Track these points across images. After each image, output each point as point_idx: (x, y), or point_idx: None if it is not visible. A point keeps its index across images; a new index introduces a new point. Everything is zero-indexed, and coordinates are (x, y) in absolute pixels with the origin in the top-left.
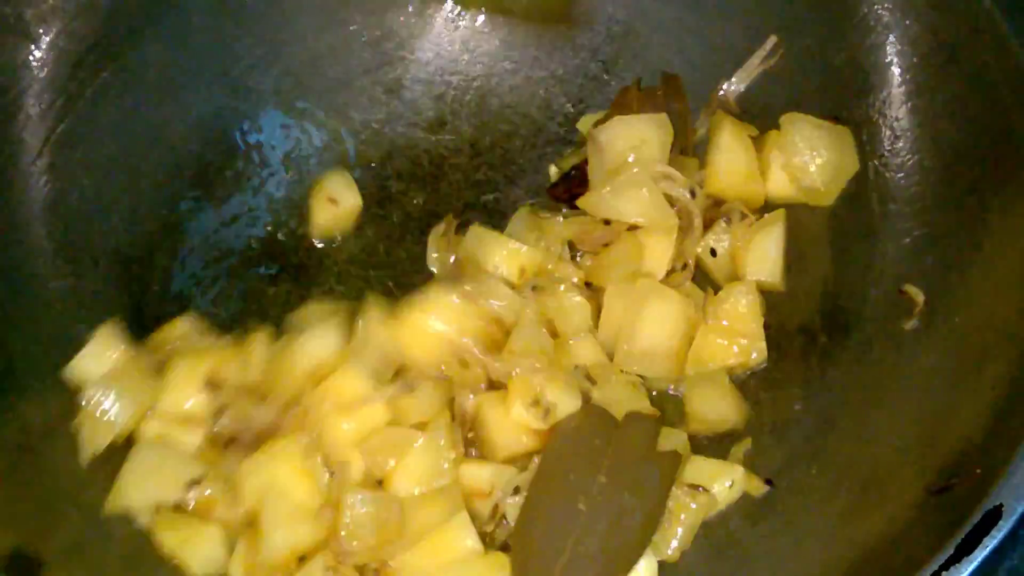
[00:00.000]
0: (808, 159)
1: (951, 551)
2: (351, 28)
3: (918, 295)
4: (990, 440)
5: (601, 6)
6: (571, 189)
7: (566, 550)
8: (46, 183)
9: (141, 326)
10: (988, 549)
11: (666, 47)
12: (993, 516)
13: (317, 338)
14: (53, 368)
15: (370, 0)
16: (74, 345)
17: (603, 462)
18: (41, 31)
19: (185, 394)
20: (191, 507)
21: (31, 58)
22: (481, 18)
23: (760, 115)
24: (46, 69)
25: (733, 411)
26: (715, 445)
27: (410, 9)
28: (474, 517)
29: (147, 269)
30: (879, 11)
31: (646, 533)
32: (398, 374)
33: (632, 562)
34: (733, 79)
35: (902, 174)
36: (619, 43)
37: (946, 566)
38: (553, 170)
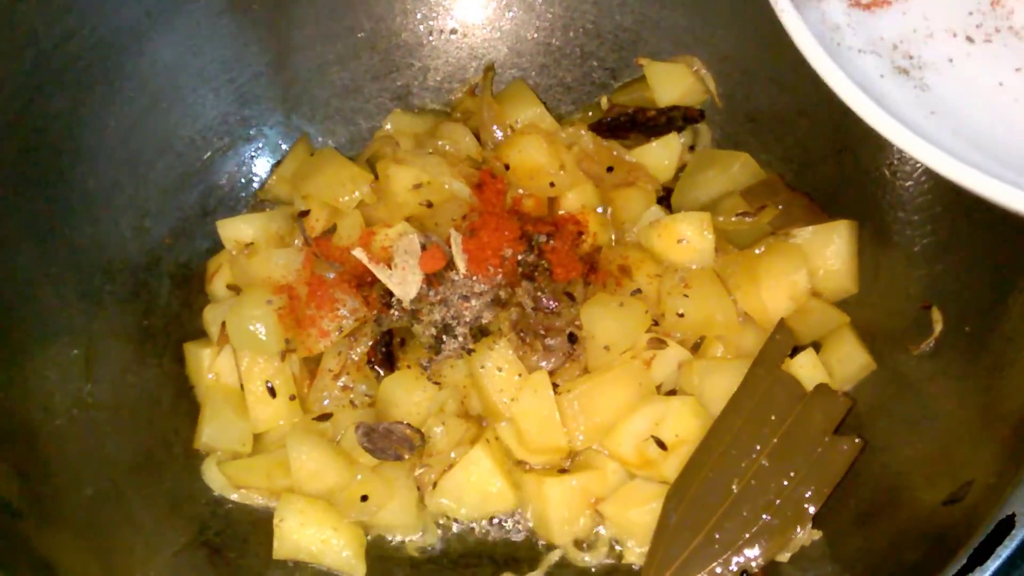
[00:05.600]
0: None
1: (964, 561)
2: (359, 35)
3: (938, 322)
4: (1003, 450)
5: (609, 15)
6: (614, 129)
7: (701, 533)
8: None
9: (149, 333)
10: (1001, 559)
11: (674, 55)
12: (1006, 525)
13: None
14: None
15: (379, 8)
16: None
17: (772, 441)
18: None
19: None
20: None
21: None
22: (489, 27)
23: (759, 119)
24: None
25: None
26: None
27: (418, 16)
28: None
29: (154, 276)
30: None
31: (792, 524)
32: None
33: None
34: None
35: (911, 182)
36: (627, 51)
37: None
38: (604, 100)
